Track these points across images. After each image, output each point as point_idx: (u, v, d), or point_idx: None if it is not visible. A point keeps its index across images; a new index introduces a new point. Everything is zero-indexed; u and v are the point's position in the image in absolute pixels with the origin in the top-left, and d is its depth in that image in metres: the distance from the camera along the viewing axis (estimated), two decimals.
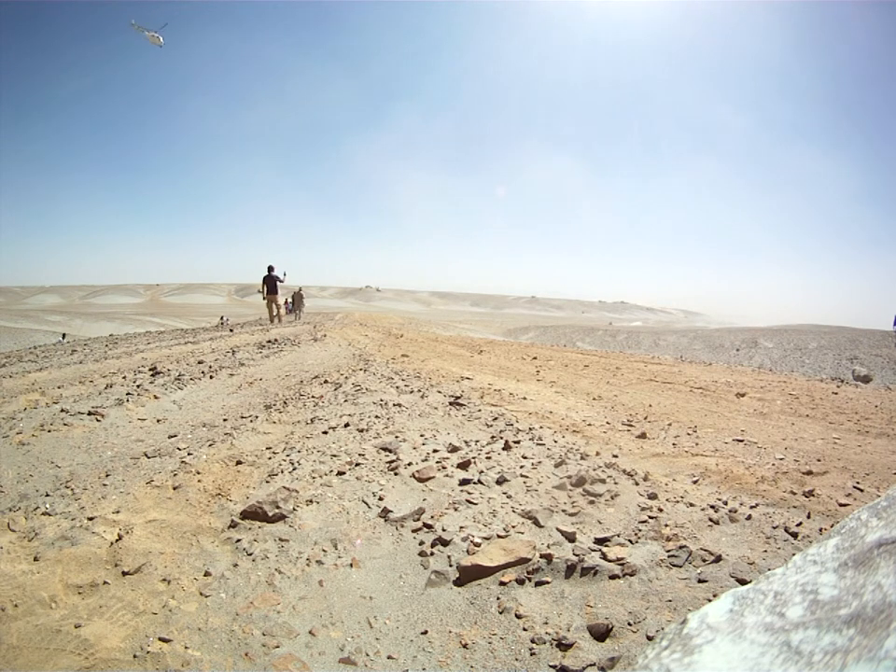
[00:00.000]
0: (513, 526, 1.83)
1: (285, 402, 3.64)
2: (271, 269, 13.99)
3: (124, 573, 1.55)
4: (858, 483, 2.35)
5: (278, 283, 14.04)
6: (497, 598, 1.46)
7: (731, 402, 4.44)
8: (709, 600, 1.25)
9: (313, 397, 3.79)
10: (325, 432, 2.86)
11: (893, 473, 2.54)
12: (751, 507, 2.02)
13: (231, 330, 9.94)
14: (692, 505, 2.02)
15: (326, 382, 4.39)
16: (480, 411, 3.47)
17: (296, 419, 3.19)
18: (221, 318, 25.14)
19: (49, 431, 2.78)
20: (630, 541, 1.73)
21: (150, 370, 4.55)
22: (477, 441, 2.76)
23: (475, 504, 2.01)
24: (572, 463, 2.45)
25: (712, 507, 1.99)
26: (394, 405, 3.48)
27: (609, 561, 1.58)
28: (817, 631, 0.73)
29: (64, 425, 2.88)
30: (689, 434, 3.21)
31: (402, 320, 26.52)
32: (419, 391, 4.00)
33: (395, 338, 9.43)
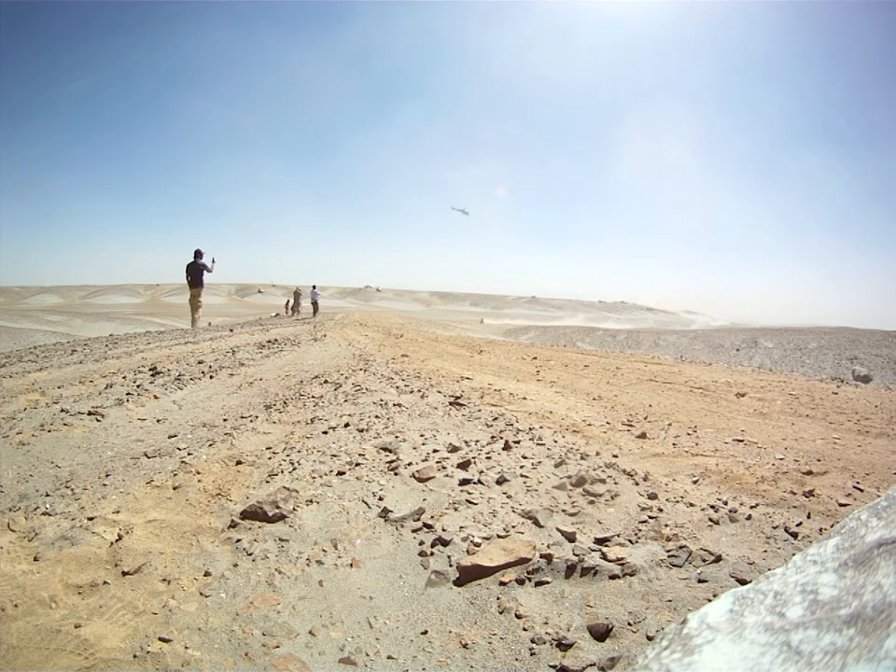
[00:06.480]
0: (513, 526, 1.83)
1: (285, 402, 3.64)
2: (197, 254, 10.98)
3: (124, 573, 1.55)
4: (858, 483, 2.35)
5: (205, 272, 11.11)
6: (497, 598, 1.46)
7: (731, 402, 4.44)
8: (709, 600, 1.25)
9: (313, 397, 3.79)
10: (325, 432, 2.86)
11: (893, 473, 2.54)
12: (751, 507, 2.02)
13: (231, 330, 9.94)
14: (692, 505, 2.02)
15: (326, 382, 4.39)
16: (480, 411, 3.47)
17: (296, 419, 3.19)
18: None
19: (49, 431, 2.78)
20: (630, 541, 1.73)
21: (150, 370, 4.54)
22: (477, 441, 2.75)
23: (475, 504, 2.01)
24: (572, 463, 2.45)
25: (712, 507, 1.99)
26: (394, 405, 3.48)
27: (609, 561, 1.58)
28: (817, 631, 0.73)
29: (64, 425, 2.88)
30: (689, 434, 3.21)
31: (402, 320, 26.51)
32: (419, 391, 4.00)
33: (395, 338, 9.43)
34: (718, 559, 1.59)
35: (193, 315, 11.35)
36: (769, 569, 1.12)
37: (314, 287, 24.52)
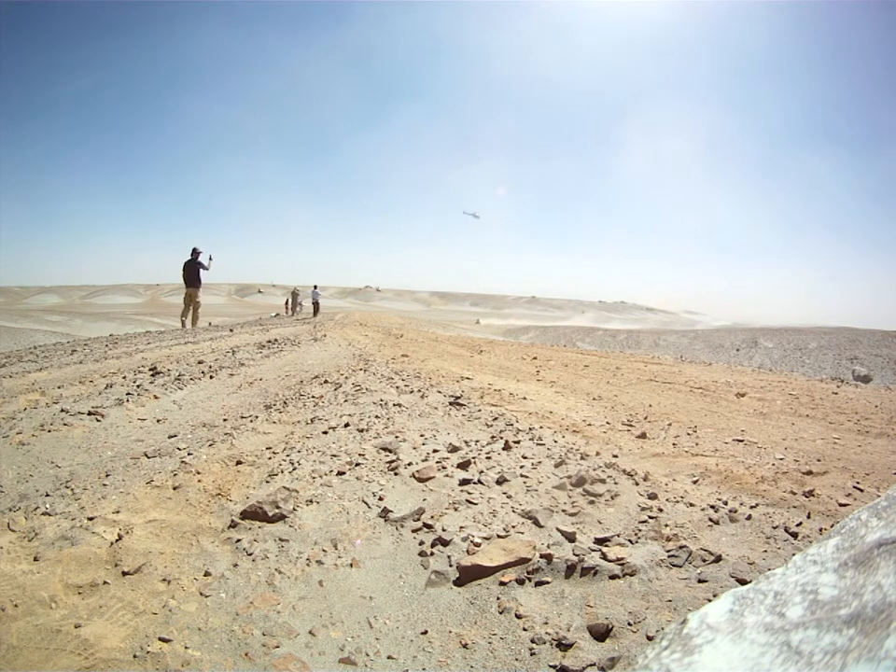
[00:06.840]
0: (513, 526, 1.83)
1: (285, 402, 3.64)
2: (195, 252, 11.08)
3: (124, 573, 1.55)
4: (858, 482, 2.35)
5: (201, 271, 11.13)
6: (497, 598, 1.46)
7: (731, 402, 4.44)
8: (709, 600, 1.25)
9: (313, 397, 3.79)
10: (325, 432, 2.86)
11: (893, 473, 2.54)
12: (751, 507, 2.02)
13: (231, 330, 9.94)
14: (692, 505, 2.02)
15: (326, 382, 4.39)
16: (480, 411, 3.47)
17: (296, 419, 3.19)
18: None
19: (49, 431, 2.78)
20: (630, 541, 1.73)
21: (150, 370, 4.54)
22: (477, 441, 2.75)
23: (475, 504, 2.01)
24: (572, 463, 2.45)
25: (712, 507, 1.99)
26: (394, 405, 3.48)
27: (609, 561, 1.58)
28: (817, 631, 0.73)
29: (64, 425, 2.88)
30: (689, 434, 3.21)
31: (402, 320, 26.51)
32: (419, 391, 4.00)
33: (395, 338, 9.43)
34: (718, 559, 1.59)
35: (193, 314, 11.20)
36: (769, 569, 1.12)
37: (315, 287, 24.59)
